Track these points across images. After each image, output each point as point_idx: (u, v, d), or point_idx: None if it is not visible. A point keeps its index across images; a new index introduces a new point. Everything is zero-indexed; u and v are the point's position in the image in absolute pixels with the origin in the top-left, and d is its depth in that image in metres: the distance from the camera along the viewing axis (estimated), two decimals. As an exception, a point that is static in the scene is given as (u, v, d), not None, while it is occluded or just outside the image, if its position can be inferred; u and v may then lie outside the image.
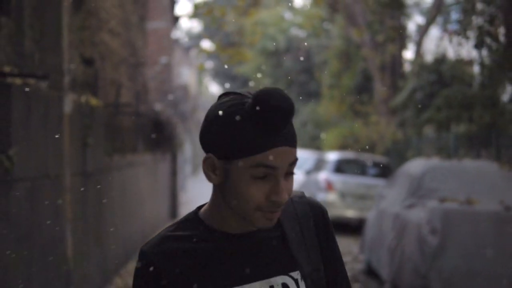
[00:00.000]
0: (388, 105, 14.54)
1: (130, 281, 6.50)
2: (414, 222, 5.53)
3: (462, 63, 11.40)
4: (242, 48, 26.24)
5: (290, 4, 27.50)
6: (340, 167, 11.97)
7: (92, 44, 6.42)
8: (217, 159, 1.19)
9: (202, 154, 1.25)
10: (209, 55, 35.03)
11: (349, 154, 12.88)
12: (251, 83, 28.55)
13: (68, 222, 4.51)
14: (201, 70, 40.27)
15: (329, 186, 11.50)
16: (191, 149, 28.77)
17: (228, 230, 1.25)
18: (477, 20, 9.50)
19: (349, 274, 1.48)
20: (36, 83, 4.03)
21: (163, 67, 17.54)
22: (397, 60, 15.43)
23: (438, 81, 11.46)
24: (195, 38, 37.81)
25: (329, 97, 19.92)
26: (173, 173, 13.17)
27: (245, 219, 1.21)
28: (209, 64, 40.40)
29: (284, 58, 26.36)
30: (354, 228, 10.70)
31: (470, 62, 11.42)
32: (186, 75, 31.72)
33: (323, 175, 11.85)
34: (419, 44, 14.84)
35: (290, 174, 1.20)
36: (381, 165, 11.95)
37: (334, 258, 1.36)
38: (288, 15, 28.59)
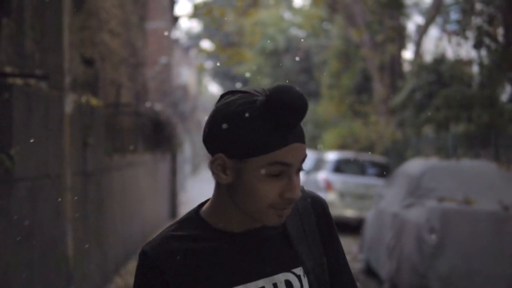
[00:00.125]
0: (388, 105, 14.55)
1: (130, 280, 6.51)
2: (412, 222, 5.55)
3: (461, 63, 11.42)
4: (242, 48, 26.26)
5: (290, 4, 27.51)
6: (339, 167, 11.99)
7: (93, 44, 6.44)
8: (228, 158, 1.17)
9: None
10: (209, 55, 35.03)
11: (348, 154, 12.90)
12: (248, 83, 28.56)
13: (69, 221, 4.52)
14: (200, 70, 40.29)
15: (328, 186, 11.52)
16: (190, 149, 28.77)
17: (231, 229, 1.24)
18: (476, 21, 9.52)
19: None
20: (36, 83, 4.05)
21: (163, 67, 17.55)
22: (396, 60, 15.44)
23: (437, 81, 11.48)
24: (195, 38, 37.81)
25: (328, 97, 19.93)
26: (173, 173, 13.18)
27: (254, 218, 1.21)
28: (209, 64, 40.40)
29: (284, 58, 26.36)
30: (353, 227, 10.71)
31: (469, 62, 11.44)
32: (185, 75, 31.73)
33: (322, 175, 11.87)
34: (418, 44, 14.85)
35: (299, 170, 1.20)
36: (380, 166, 11.98)
37: (336, 252, 1.35)
38: (287, 15, 28.61)
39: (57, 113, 4.32)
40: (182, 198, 15.63)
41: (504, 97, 10.21)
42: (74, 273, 4.66)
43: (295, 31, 27.82)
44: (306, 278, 1.26)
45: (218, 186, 1.24)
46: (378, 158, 13.13)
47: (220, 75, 39.55)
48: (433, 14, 14.14)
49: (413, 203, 5.86)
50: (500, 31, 9.37)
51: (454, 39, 10.57)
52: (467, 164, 6.70)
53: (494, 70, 9.13)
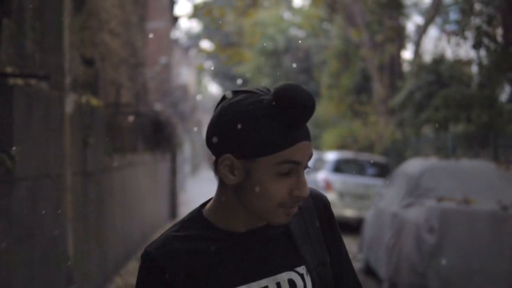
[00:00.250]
0: (387, 105, 14.58)
1: (130, 280, 6.53)
2: (412, 221, 5.57)
3: (460, 64, 11.44)
4: (242, 48, 26.28)
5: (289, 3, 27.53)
6: (339, 167, 12.01)
7: (93, 44, 6.45)
8: (236, 159, 1.16)
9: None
10: (209, 55, 35.05)
11: (348, 154, 12.92)
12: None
13: (69, 221, 4.54)
14: (200, 70, 40.30)
15: (328, 186, 11.54)
16: (190, 149, 28.79)
17: (234, 229, 1.24)
18: (475, 21, 9.53)
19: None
20: (37, 83, 4.06)
21: (163, 67, 17.57)
22: (396, 60, 15.46)
23: (436, 81, 11.50)
24: (195, 38, 37.82)
25: (328, 97, 19.95)
26: (173, 173, 13.19)
27: (262, 217, 1.20)
28: (208, 64, 40.41)
29: (284, 58, 26.37)
30: (352, 227, 10.73)
31: (468, 63, 11.46)
32: (185, 75, 31.74)
33: (322, 175, 11.88)
34: (417, 44, 14.87)
35: (305, 168, 1.20)
36: (379, 165, 11.99)
37: (338, 249, 1.36)
38: (287, 15, 28.62)
39: (57, 113, 4.33)
40: (182, 198, 15.63)
41: (503, 97, 10.23)
42: (75, 272, 4.67)
43: (294, 31, 27.84)
44: (309, 277, 1.26)
45: (223, 186, 1.23)
46: (378, 158, 13.15)
47: (219, 75, 39.57)
48: (432, 14, 14.16)
49: (412, 202, 5.88)
50: (499, 32, 9.38)
51: (454, 39, 10.59)
52: (466, 164, 6.71)
53: (493, 70, 9.15)
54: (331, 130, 18.58)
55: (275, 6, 27.48)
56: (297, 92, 1.13)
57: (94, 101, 5.56)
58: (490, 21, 9.12)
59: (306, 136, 1.18)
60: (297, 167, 1.17)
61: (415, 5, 21.59)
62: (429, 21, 14.52)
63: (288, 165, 1.15)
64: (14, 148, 3.32)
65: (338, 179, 11.65)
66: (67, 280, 4.50)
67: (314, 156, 15.06)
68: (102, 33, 6.98)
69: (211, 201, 1.29)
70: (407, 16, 17.49)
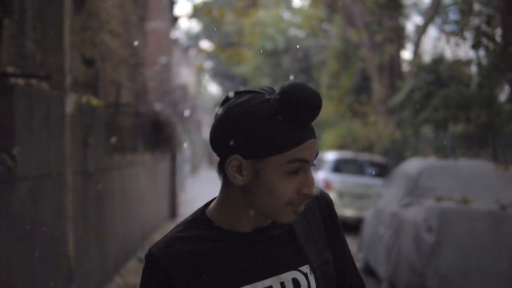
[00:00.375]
0: (386, 105, 14.59)
1: (130, 279, 6.55)
2: (410, 221, 5.59)
3: (459, 64, 11.47)
4: (241, 49, 26.29)
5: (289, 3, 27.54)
6: (338, 167, 12.03)
7: (93, 44, 6.47)
8: (244, 159, 1.16)
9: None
10: (208, 55, 35.06)
11: (347, 154, 12.94)
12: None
13: (70, 221, 4.55)
14: (200, 70, 40.31)
15: (327, 186, 11.56)
16: (190, 149, 28.80)
17: (239, 229, 1.24)
18: (474, 21, 9.55)
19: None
20: (38, 83, 4.08)
21: (163, 67, 17.58)
22: (395, 60, 15.49)
23: (435, 81, 11.52)
24: (194, 38, 37.82)
25: (327, 97, 19.95)
26: (173, 173, 13.20)
27: (270, 216, 1.21)
28: (208, 64, 40.42)
29: (284, 59, 26.39)
30: (352, 227, 10.75)
31: (467, 63, 11.49)
32: (185, 75, 31.76)
33: (321, 175, 11.90)
34: (417, 45, 14.89)
35: (311, 166, 1.21)
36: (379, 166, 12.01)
37: (341, 248, 1.36)
38: (287, 16, 28.64)
39: (58, 113, 4.35)
40: (181, 198, 15.65)
41: (502, 98, 10.25)
42: (75, 272, 4.69)
43: (294, 31, 27.85)
44: (312, 276, 1.27)
45: (229, 186, 1.23)
46: (377, 158, 13.17)
47: (219, 75, 39.58)
48: (431, 14, 14.19)
49: (411, 202, 5.90)
50: (498, 32, 9.40)
51: (453, 39, 10.61)
52: (465, 164, 6.73)
53: (492, 70, 9.17)
54: (330, 130, 18.60)
55: (275, 6, 27.49)
56: (304, 91, 1.14)
57: (94, 101, 5.58)
58: (489, 21, 9.14)
59: (313, 134, 1.19)
60: (304, 165, 1.17)
61: (415, 5, 21.62)
62: (428, 21, 14.55)
63: (296, 164, 1.16)
64: (15, 147, 3.33)
65: (337, 179, 11.67)
66: (67, 279, 4.52)
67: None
68: (102, 33, 7.00)
69: (215, 201, 1.29)
70: (406, 16, 17.52)
